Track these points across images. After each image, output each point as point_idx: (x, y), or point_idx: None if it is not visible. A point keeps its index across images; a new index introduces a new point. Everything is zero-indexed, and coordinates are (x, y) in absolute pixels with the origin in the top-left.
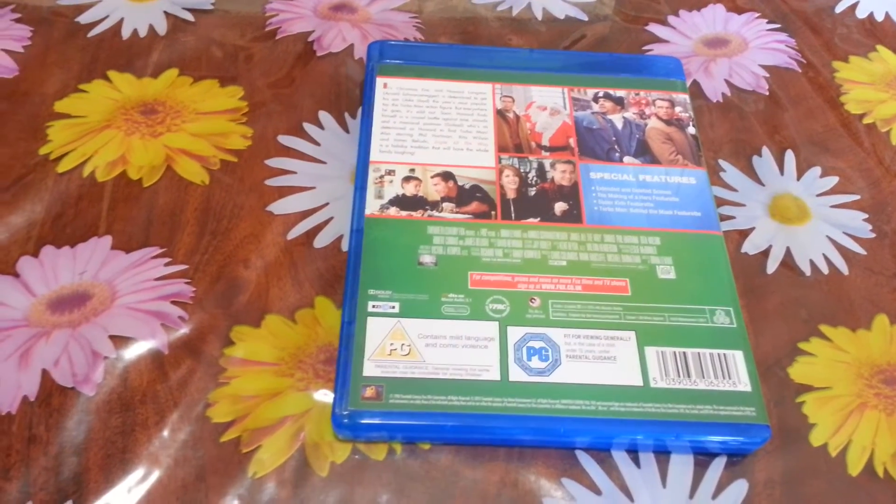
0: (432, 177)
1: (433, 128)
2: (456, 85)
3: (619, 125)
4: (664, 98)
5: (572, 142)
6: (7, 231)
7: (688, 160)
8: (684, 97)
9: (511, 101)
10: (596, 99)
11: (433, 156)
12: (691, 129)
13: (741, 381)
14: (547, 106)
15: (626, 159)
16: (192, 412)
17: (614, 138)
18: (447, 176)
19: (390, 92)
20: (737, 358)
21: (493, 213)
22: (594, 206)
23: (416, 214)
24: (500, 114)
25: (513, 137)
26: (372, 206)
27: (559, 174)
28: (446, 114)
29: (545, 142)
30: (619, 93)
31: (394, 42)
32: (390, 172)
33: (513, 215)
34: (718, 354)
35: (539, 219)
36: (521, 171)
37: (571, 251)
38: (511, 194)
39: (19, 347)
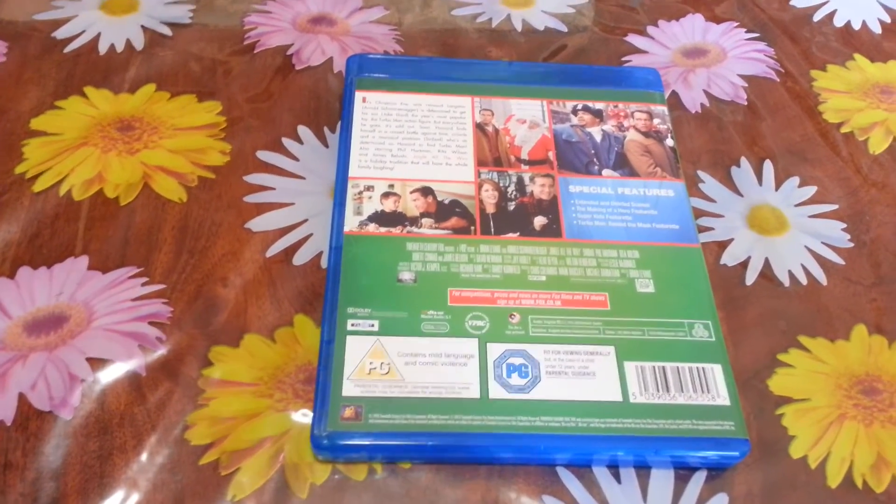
0: (411, 192)
1: (412, 142)
2: (435, 98)
3: (598, 138)
4: (642, 110)
5: (551, 155)
6: None
7: (666, 172)
8: (662, 109)
9: (490, 114)
10: (575, 111)
11: (412, 171)
12: (669, 142)
13: (720, 394)
14: (526, 119)
15: (605, 172)
16: (171, 435)
17: (593, 151)
18: (426, 191)
19: (369, 106)
20: (715, 372)
21: (472, 228)
22: (573, 220)
23: (396, 231)
24: (480, 127)
25: (492, 151)
26: (351, 223)
27: (538, 188)
28: (425, 128)
29: (524, 155)
30: (598, 105)
31: (373, 56)
32: (369, 188)
33: (492, 230)
34: (697, 368)
35: (518, 233)
36: (501, 185)
37: (551, 266)
38: (490, 209)
39: None
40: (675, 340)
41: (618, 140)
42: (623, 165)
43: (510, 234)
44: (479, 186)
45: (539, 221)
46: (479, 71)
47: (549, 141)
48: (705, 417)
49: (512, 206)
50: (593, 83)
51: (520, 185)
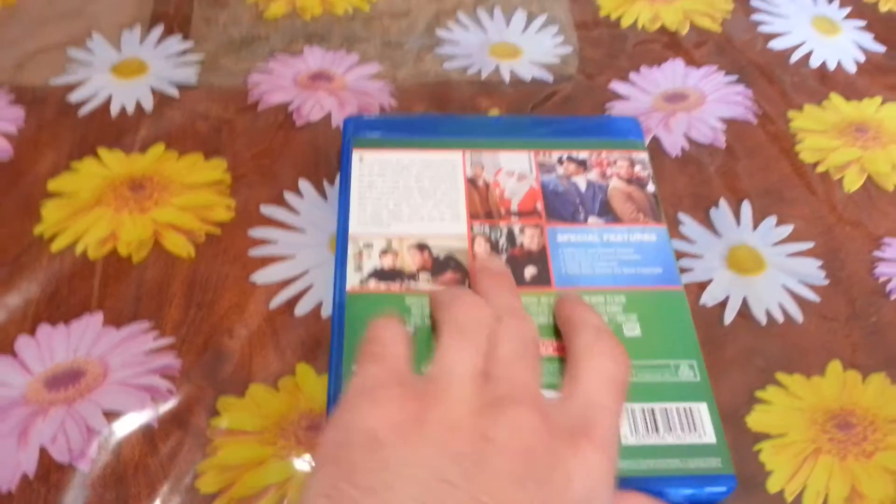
0: (408, 248)
1: (407, 198)
2: (428, 154)
3: (583, 187)
4: (624, 158)
5: (539, 206)
6: (5, 311)
7: (648, 218)
8: (643, 156)
9: (481, 168)
10: (561, 161)
11: (408, 227)
12: (651, 187)
13: (706, 433)
14: (515, 171)
15: (591, 220)
16: (182, 483)
17: (578, 200)
18: (422, 247)
19: (366, 164)
20: (701, 410)
21: (466, 281)
22: (562, 269)
23: (395, 286)
24: (471, 181)
25: (483, 205)
26: (352, 281)
27: (528, 239)
28: (419, 184)
29: (514, 207)
30: (582, 154)
31: (368, 117)
32: (368, 245)
33: None
34: (684, 408)
35: None
36: (492, 238)
37: (542, 314)
38: None
39: (18, 425)
40: (662, 382)
41: (601, 188)
42: (607, 212)
43: None
44: (472, 241)
45: (529, 272)
46: (469, 125)
47: (536, 192)
48: (693, 455)
49: (504, 258)
50: (577, 133)
51: (510, 237)
